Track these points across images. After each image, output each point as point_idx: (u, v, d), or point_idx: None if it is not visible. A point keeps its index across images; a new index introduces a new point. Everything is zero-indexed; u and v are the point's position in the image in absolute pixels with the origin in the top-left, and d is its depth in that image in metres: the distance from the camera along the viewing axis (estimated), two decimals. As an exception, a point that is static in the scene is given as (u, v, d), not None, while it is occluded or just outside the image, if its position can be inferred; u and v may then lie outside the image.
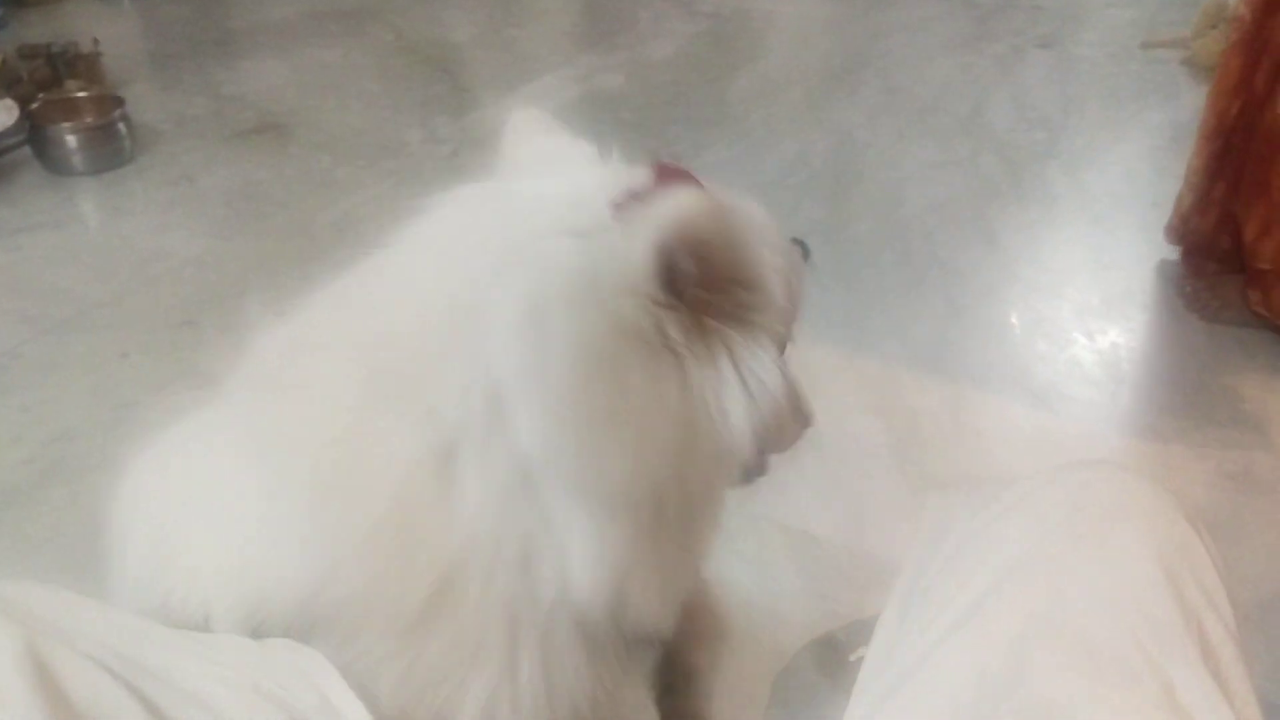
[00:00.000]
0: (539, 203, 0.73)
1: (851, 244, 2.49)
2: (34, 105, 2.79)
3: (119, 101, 2.83)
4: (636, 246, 0.67)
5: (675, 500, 0.71)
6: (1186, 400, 2.06)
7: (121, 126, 2.78)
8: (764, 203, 2.56)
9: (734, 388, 0.72)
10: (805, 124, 2.98)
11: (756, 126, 2.98)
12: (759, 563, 1.62)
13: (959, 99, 3.10)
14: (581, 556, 0.69)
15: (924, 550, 0.79)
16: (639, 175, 0.76)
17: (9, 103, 2.73)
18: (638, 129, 2.97)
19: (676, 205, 0.66)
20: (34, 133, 2.71)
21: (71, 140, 2.71)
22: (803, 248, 2.45)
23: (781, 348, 0.79)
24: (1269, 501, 1.86)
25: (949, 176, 2.73)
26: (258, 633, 0.70)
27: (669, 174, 0.77)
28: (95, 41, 3.05)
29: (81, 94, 2.91)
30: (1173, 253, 2.39)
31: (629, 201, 0.71)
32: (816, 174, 2.76)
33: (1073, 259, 2.44)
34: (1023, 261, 2.45)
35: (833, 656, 1.10)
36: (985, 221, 2.56)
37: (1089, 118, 2.98)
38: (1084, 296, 2.34)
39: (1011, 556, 0.71)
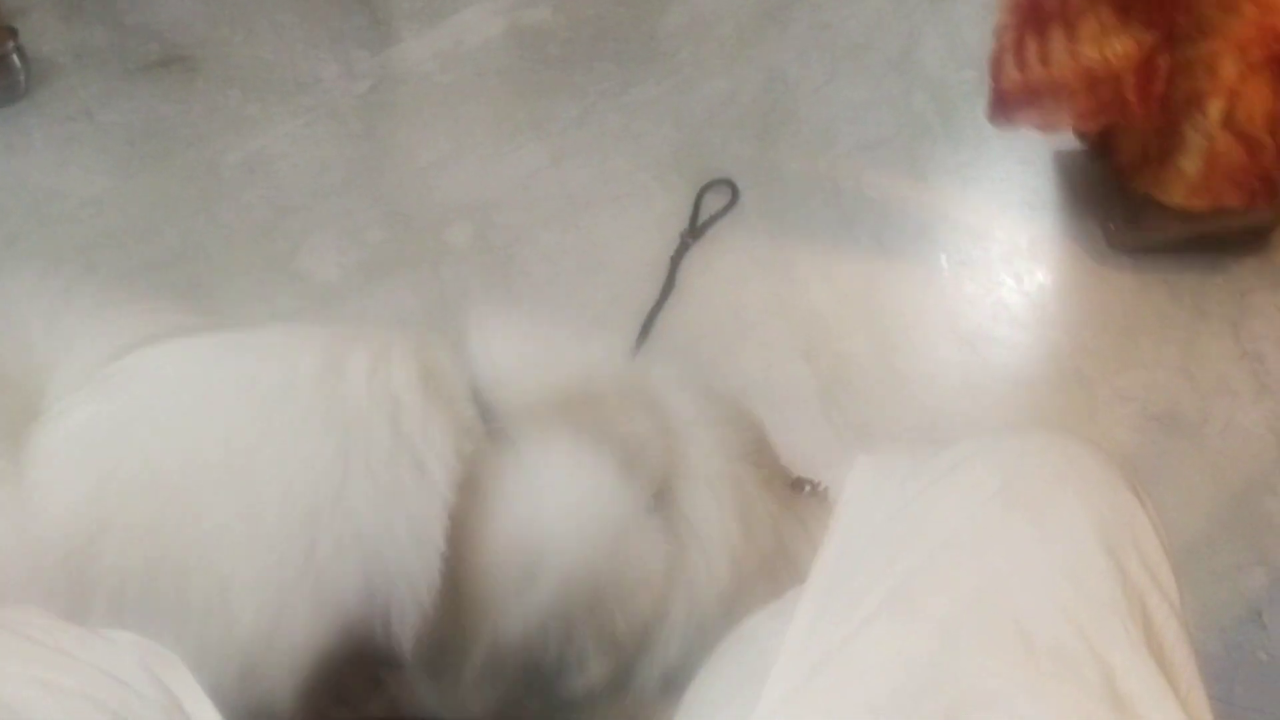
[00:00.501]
0: None
1: (780, 184, 2.44)
2: (-81, 36, 2.61)
3: (12, 33, 2.66)
4: None
5: None
6: (1112, 342, 2.06)
7: (15, 59, 2.61)
8: (692, 142, 2.49)
9: None
10: (735, 61, 2.90)
11: (686, 63, 2.89)
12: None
13: (891, 36, 3.03)
14: None
15: (848, 520, 0.74)
16: None
17: (-110, 33, 2.55)
18: (564, 66, 2.87)
19: None
20: (-81, 66, 2.54)
21: (-40, 74, 2.55)
22: (731, 189, 2.40)
23: None
24: (1193, 444, 1.87)
25: (880, 116, 2.68)
26: None
27: None
28: (-14, -32, 2.85)
29: (-29, 24, 2.73)
30: (1103, 191, 2.37)
31: None
32: (746, 112, 2.69)
33: (1002, 199, 2.42)
34: (953, 202, 2.43)
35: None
36: (916, 162, 2.52)
37: (1021, 56, 2.94)
38: (1012, 238, 2.32)
39: (943, 530, 0.67)
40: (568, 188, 2.41)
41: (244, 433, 0.96)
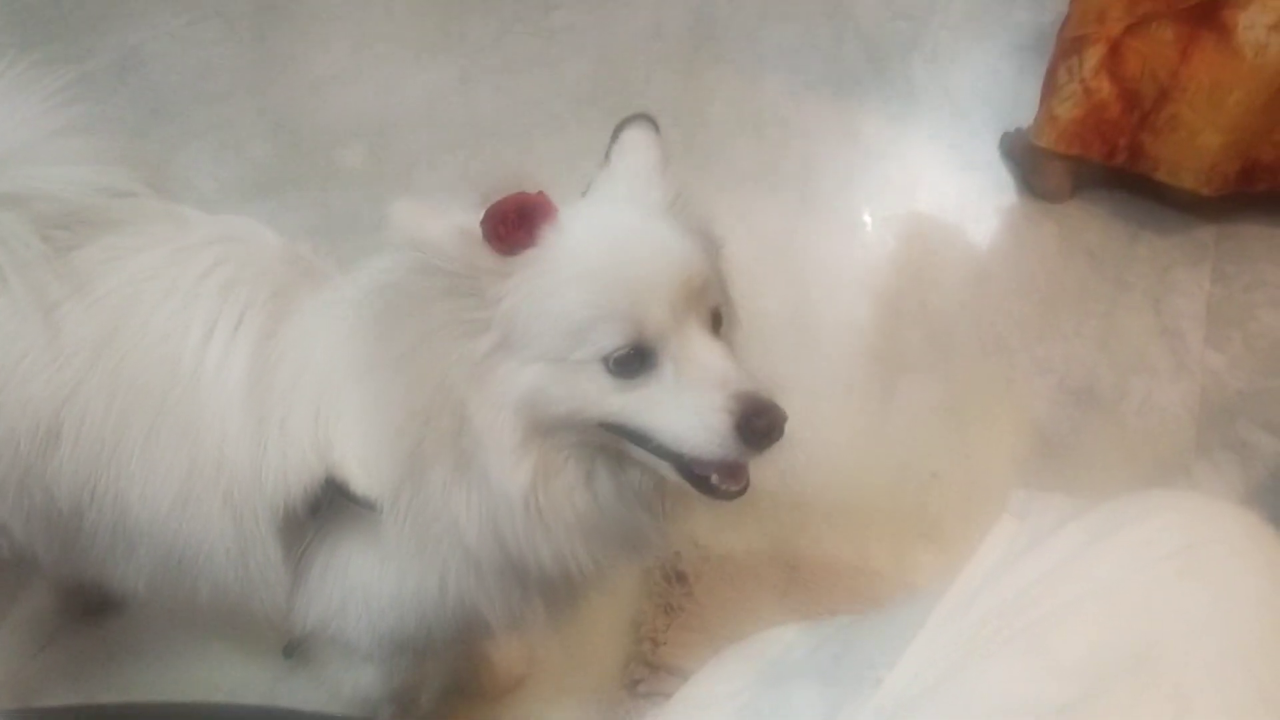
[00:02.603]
0: None
1: (703, 126, 2.31)
2: None
3: None
4: None
5: None
6: (1034, 312, 1.99)
7: None
8: (613, 74, 2.32)
9: None
10: (663, -8, 2.75)
11: (611, -10, 2.73)
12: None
13: (825, -20, 2.92)
14: None
15: (993, 552, 0.69)
16: None
17: None
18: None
19: None
20: None
21: None
22: (651, 125, 2.25)
23: None
24: (1109, 420, 1.81)
25: (810, 62, 2.56)
26: None
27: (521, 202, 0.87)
28: None
29: None
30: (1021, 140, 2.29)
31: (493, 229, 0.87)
32: (671, 47, 2.55)
33: (931, 157, 2.33)
34: (880, 156, 2.33)
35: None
36: (845, 112, 2.41)
37: (954, 11, 2.83)
38: (938, 197, 2.24)
39: (1093, 579, 0.60)
40: (475, 113, 2.24)
41: None
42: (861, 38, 2.67)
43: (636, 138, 0.97)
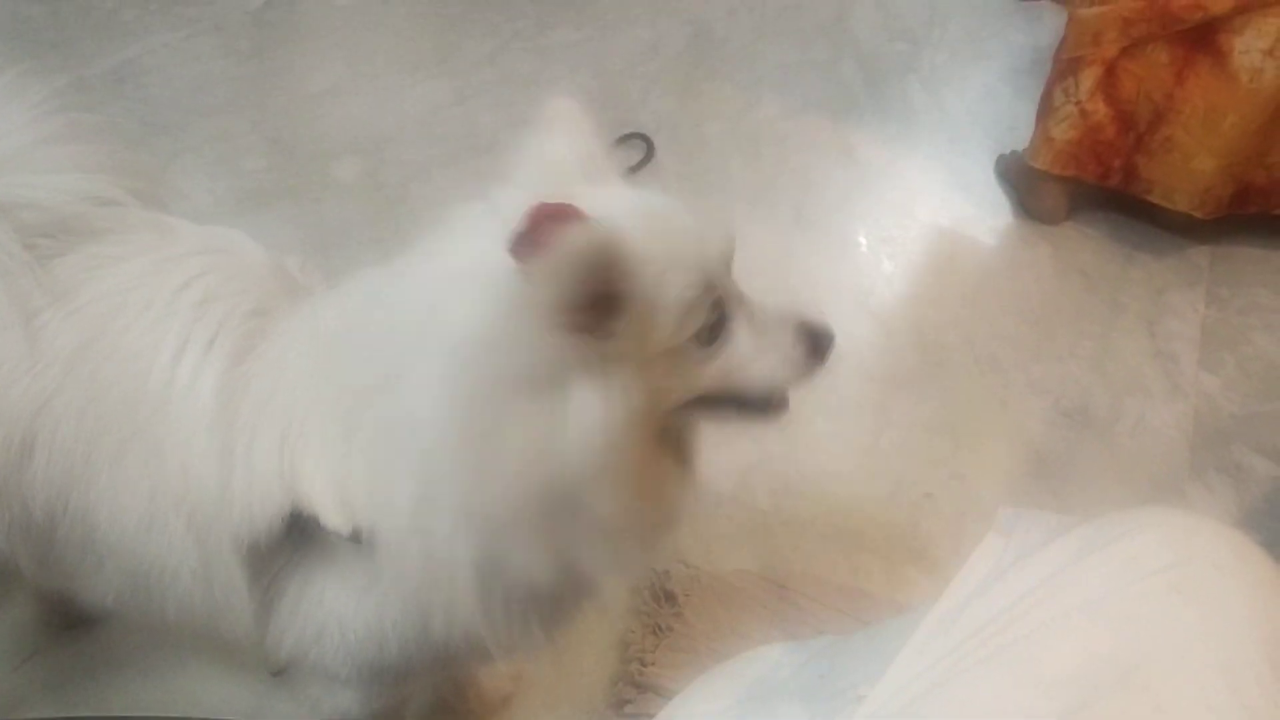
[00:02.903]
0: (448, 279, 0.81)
1: (699, 144, 2.32)
2: None
3: None
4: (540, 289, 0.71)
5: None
6: (1029, 331, 1.99)
7: None
8: (609, 92, 2.32)
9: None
10: (660, 10, 2.75)
11: (608, 9, 2.74)
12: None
13: (822, 0, 2.93)
14: None
15: (982, 566, 0.70)
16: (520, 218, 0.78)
17: None
18: (483, 5, 2.69)
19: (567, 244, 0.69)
20: None
21: None
22: (647, 144, 2.26)
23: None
24: (1103, 442, 1.80)
25: (807, 81, 2.57)
26: None
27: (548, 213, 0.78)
28: None
29: None
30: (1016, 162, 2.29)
31: (522, 247, 0.75)
32: (668, 66, 2.55)
33: (927, 177, 2.33)
34: (876, 176, 2.33)
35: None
36: (841, 132, 2.42)
37: (952, 33, 2.85)
38: (934, 217, 2.24)
39: (1082, 592, 0.61)
40: (471, 129, 2.24)
41: None
42: (859, 58, 2.68)
43: (561, 111, 0.92)
